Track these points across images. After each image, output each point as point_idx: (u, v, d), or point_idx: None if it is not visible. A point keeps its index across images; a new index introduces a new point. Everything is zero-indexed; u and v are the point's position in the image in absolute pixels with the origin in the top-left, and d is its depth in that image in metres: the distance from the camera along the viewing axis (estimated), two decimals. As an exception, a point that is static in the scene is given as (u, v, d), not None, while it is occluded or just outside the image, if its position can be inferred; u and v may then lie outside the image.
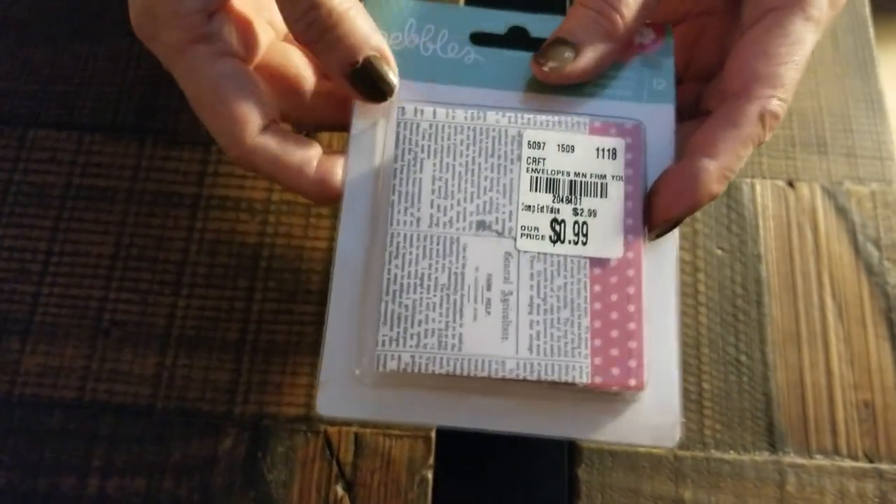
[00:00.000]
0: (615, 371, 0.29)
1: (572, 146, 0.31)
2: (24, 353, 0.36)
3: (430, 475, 0.34)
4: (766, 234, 0.40)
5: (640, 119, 0.32)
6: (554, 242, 0.30)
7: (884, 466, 0.36)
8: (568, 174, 0.31)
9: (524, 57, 0.32)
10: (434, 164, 0.31)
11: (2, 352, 0.36)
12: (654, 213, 0.31)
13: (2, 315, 0.37)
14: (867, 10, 0.46)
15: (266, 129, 0.31)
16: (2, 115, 0.41)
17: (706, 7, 0.36)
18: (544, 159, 0.31)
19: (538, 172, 0.31)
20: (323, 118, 0.34)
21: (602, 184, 0.31)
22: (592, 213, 0.30)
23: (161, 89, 0.42)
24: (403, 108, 0.31)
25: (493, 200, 0.30)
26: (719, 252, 0.39)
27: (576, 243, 0.30)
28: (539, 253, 0.30)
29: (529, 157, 0.31)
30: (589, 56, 0.31)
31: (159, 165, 0.40)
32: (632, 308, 0.29)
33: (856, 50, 0.45)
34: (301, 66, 0.34)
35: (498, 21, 0.33)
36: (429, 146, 0.31)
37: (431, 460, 0.35)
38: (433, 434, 0.35)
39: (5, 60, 0.42)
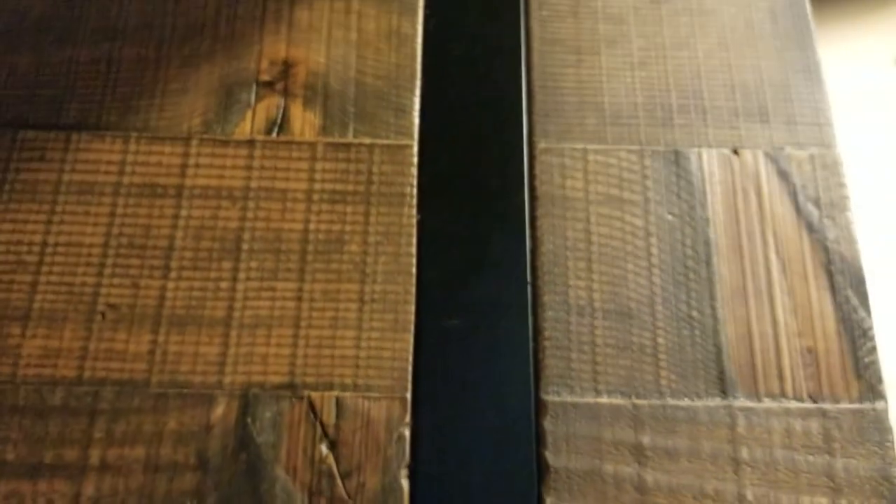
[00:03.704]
0: None
1: None
2: (25, 337, 0.39)
3: (406, 432, 0.37)
4: (713, 199, 0.43)
5: None
6: None
7: (827, 406, 0.39)
8: None
9: None
10: None
11: (3, 337, 0.39)
12: None
13: (2, 304, 0.39)
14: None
15: None
16: (-7, 119, 0.44)
17: None
18: None
19: None
20: None
21: None
22: None
23: (142, 89, 0.44)
24: None
25: None
26: (670, 217, 0.42)
27: None
28: None
29: None
30: None
31: (143, 160, 0.42)
32: None
33: (794, 24, 0.48)
34: None
35: None
36: None
37: (408, 419, 0.37)
38: (408, 395, 0.38)
39: (-7, 68, 0.45)
